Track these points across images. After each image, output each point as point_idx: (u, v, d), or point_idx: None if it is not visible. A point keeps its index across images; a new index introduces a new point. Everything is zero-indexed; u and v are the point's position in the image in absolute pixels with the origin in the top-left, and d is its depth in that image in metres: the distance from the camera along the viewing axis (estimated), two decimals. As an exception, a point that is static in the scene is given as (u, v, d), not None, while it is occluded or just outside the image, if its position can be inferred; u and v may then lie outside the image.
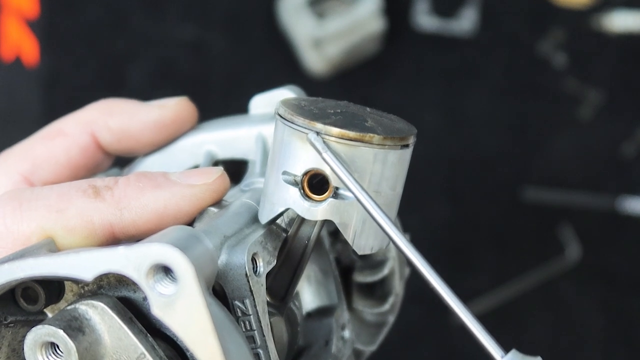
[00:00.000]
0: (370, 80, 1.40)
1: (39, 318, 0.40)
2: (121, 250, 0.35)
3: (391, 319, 0.55)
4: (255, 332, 0.41)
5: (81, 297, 0.38)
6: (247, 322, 0.41)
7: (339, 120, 0.41)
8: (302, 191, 0.42)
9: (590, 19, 1.39)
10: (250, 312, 0.41)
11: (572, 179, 1.38)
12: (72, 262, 0.36)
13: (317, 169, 0.41)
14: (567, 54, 1.39)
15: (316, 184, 0.42)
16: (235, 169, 0.52)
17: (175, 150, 0.53)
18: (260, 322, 0.41)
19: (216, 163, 0.53)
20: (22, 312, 0.40)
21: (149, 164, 0.54)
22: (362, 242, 0.43)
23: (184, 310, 0.34)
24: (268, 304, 0.45)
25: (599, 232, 1.37)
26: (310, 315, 0.50)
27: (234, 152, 0.53)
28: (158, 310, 0.34)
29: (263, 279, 0.42)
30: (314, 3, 1.34)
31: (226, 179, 0.45)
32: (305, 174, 0.41)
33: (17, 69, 1.38)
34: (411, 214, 1.35)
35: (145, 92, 1.39)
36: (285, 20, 1.35)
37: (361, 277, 0.53)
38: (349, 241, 0.42)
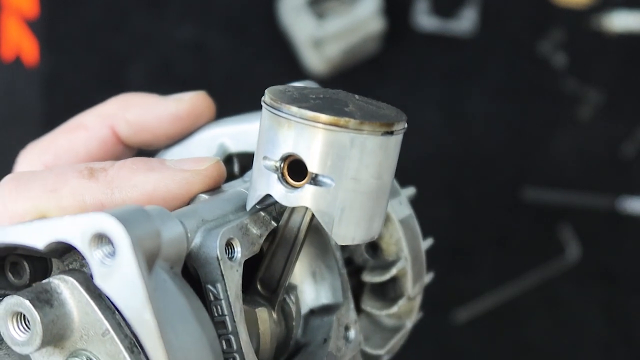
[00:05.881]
0: (371, 80, 1.40)
1: None
2: (67, 219, 0.35)
3: (408, 324, 0.54)
4: (227, 317, 0.40)
5: (62, 273, 0.39)
6: (218, 307, 0.40)
7: (316, 105, 0.40)
8: (280, 177, 0.41)
9: (590, 19, 1.39)
10: (222, 297, 0.40)
11: (572, 179, 1.38)
12: (25, 231, 0.36)
13: (294, 154, 0.40)
14: (567, 54, 1.39)
15: (297, 169, 0.41)
16: (248, 162, 0.52)
17: (192, 143, 0.54)
18: (231, 307, 0.40)
19: (229, 156, 0.53)
20: (10, 286, 0.41)
21: (168, 157, 0.54)
22: (341, 232, 0.41)
23: (121, 279, 0.34)
24: (258, 294, 0.45)
25: (599, 232, 1.37)
26: (314, 312, 0.49)
27: (245, 146, 0.53)
28: (99, 280, 0.35)
29: (238, 265, 0.41)
30: (314, 3, 1.34)
31: (220, 167, 0.46)
32: (285, 159, 0.41)
33: (17, 69, 1.38)
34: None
35: (146, 92, 1.39)
36: (285, 20, 1.35)
37: (369, 277, 0.51)
38: (327, 230, 0.41)
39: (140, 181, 0.43)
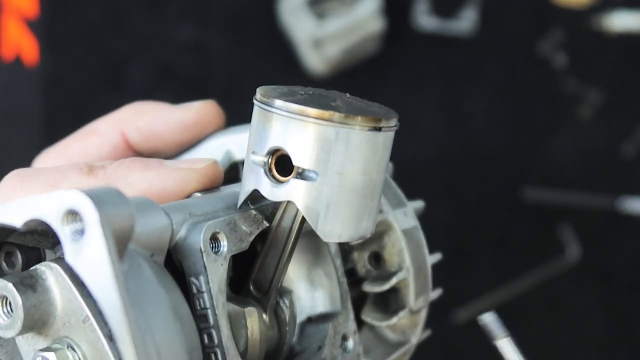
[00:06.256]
0: (370, 80, 1.40)
1: None
2: (43, 196, 0.35)
3: (413, 340, 0.53)
4: (208, 310, 0.40)
5: (50, 261, 0.39)
6: (200, 300, 0.40)
7: (303, 99, 0.40)
8: (267, 171, 0.41)
9: (590, 19, 1.39)
10: (204, 290, 0.40)
11: (572, 179, 1.38)
12: (4, 210, 0.37)
13: (280, 148, 0.40)
14: (567, 54, 1.39)
15: (285, 165, 0.41)
16: None
17: (200, 150, 0.55)
18: (213, 300, 0.40)
19: (234, 163, 0.54)
20: (3, 276, 0.41)
21: None
22: (327, 228, 0.41)
23: (90, 256, 0.34)
24: (251, 296, 0.45)
25: (599, 232, 1.37)
26: (312, 320, 0.48)
27: None
28: (70, 257, 0.35)
29: (223, 259, 0.41)
30: (314, 3, 1.34)
31: (216, 167, 0.47)
32: (272, 153, 0.41)
33: (17, 69, 1.38)
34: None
35: (145, 92, 1.39)
36: (285, 20, 1.35)
37: (369, 287, 0.51)
38: (312, 226, 0.41)
39: (137, 178, 0.44)
